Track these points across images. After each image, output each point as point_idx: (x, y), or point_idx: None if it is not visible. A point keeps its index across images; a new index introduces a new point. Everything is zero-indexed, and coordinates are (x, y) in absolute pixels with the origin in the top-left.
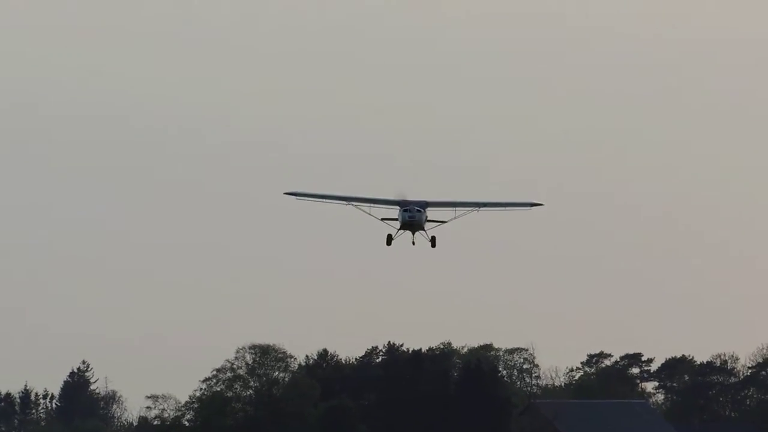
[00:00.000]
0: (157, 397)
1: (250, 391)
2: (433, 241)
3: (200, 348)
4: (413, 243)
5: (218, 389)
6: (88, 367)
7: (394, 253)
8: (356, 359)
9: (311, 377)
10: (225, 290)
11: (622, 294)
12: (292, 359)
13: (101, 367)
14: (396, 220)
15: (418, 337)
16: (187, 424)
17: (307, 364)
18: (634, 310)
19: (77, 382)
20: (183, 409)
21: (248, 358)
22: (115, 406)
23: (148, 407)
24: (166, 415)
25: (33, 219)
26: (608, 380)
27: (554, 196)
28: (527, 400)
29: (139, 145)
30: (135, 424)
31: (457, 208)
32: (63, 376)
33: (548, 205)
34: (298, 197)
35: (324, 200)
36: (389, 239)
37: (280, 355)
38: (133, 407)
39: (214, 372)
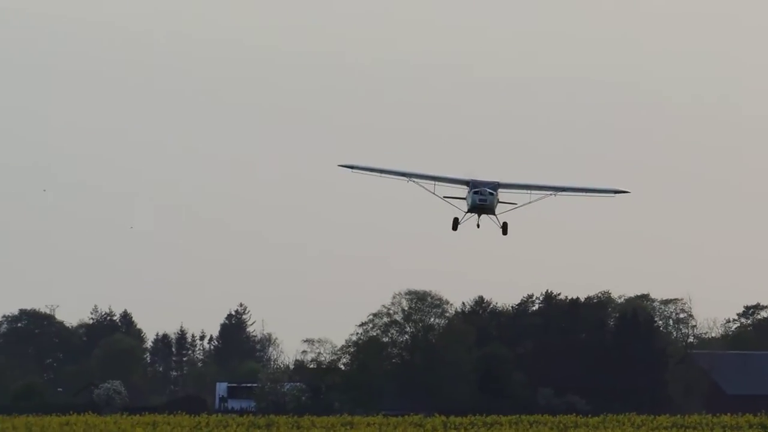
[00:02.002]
0: (314, 341)
1: (406, 336)
2: (504, 228)
3: (357, 293)
4: (478, 226)
5: (374, 334)
6: (245, 309)
7: None
8: (513, 307)
9: (467, 324)
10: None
11: None
12: (449, 305)
13: (258, 310)
14: (461, 199)
15: (576, 285)
16: (342, 368)
17: (463, 311)
18: None
19: (234, 324)
20: (339, 353)
21: (405, 303)
22: (271, 349)
23: (304, 351)
24: (322, 358)
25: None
26: (765, 332)
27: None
28: (683, 350)
29: None
30: (291, 367)
31: (532, 192)
32: (220, 318)
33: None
34: (353, 170)
35: (382, 174)
36: (455, 223)
37: (436, 301)
38: (289, 350)
39: (371, 317)
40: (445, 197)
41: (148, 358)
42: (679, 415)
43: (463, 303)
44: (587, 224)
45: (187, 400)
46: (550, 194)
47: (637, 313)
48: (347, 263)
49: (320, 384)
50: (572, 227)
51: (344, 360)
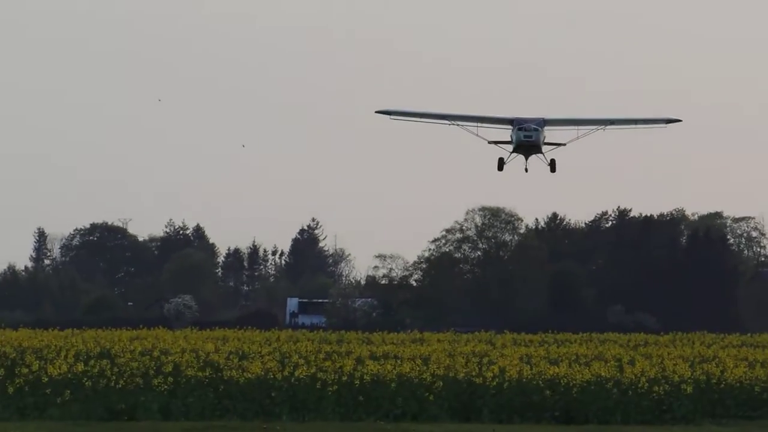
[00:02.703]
0: (386, 257)
1: (479, 252)
2: (552, 165)
3: (431, 209)
4: (526, 170)
5: (447, 250)
6: (317, 224)
7: None
8: (585, 223)
9: (540, 240)
10: (453, 153)
11: None
12: (521, 222)
13: (330, 225)
14: (508, 143)
15: (648, 202)
16: (414, 284)
17: (536, 228)
18: None
19: (306, 239)
20: (411, 269)
21: (478, 219)
22: (342, 265)
23: (375, 267)
24: (394, 274)
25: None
26: None
27: None
28: (754, 269)
29: None
30: (363, 282)
31: (579, 127)
32: (292, 233)
33: None
34: (391, 116)
35: (422, 119)
36: (501, 164)
37: (509, 218)
38: (361, 266)
39: (444, 233)
40: (490, 142)
41: (219, 273)
42: (749, 334)
43: (536, 219)
44: (657, 148)
45: (258, 315)
46: (600, 128)
47: (710, 231)
48: (419, 181)
49: (391, 300)
50: (642, 150)
51: (416, 276)
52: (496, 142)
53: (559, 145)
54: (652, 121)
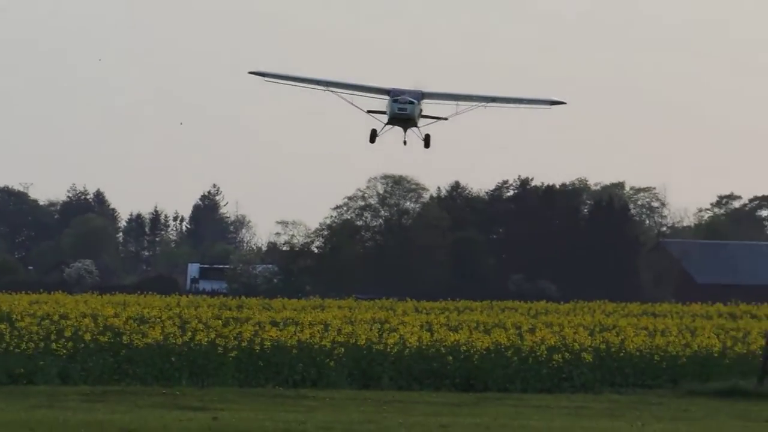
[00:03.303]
0: (287, 223)
1: (380, 220)
2: (426, 141)
3: (331, 177)
4: (405, 143)
5: (348, 217)
6: (218, 190)
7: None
8: (487, 192)
9: (442, 209)
10: (354, 124)
11: (751, 137)
12: (424, 190)
13: (231, 192)
14: (384, 113)
15: (550, 172)
16: (316, 250)
17: (438, 196)
18: (764, 152)
19: (207, 206)
20: (312, 236)
21: (380, 187)
22: (244, 231)
23: (277, 233)
24: (296, 241)
25: None
26: (737, 221)
27: None
28: (655, 239)
29: None
30: (264, 249)
31: (459, 102)
32: (193, 199)
33: None
34: (265, 78)
35: (296, 83)
36: (373, 135)
37: (412, 186)
38: (262, 233)
39: (345, 200)
40: (369, 111)
41: (120, 238)
42: (649, 303)
43: (438, 188)
44: (558, 117)
45: (159, 281)
46: (481, 105)
47: (613, 201)
48: (319, 152)
49: (292, 267)
50: (546, 119)
51: (317, 243)
52: (373, 112)
53: (439, 119)
54: (536, 101)
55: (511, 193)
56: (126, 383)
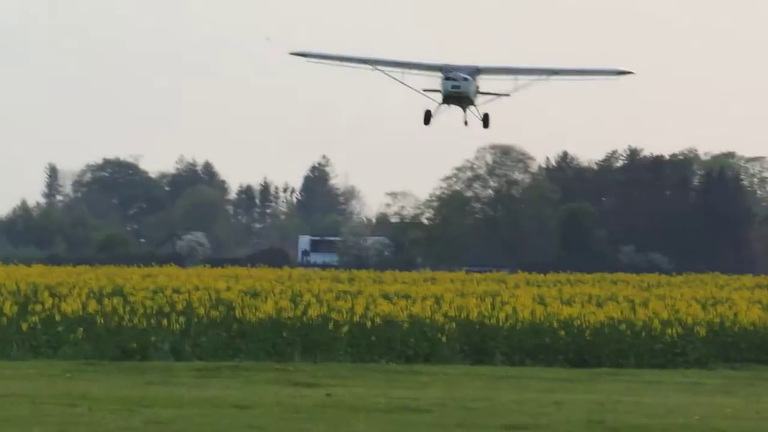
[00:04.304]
0: (397, 195)
1: (490, 190)
2: (485, 120)
3: (441, 147)
4: (465, 123)
5: (458, 188)
6: (328, 161)
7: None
8: (596, 163)
9: (551, 180)
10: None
11: None
12: (532, 161)
13: (341, 163)
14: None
15: (660, 142)
16: (425, 222)
17: (547, 167)
18: None
19: (317, 177)
20: (422, 207)
21: (488, 158)
22: (354, 202)
23: (387, 204)
24: (405, 212)
25: None
26: None
27: None
28: (767, 209)
29: None
30: (374, 220)
31: (519, 77)
32: (303, 170)
33: None
34: (308, 58)
35: (341, 63)
36: (427, 117)
37: (520, 156)
38: (372, 204)
39: (455, 171)
40: (424, 90)
41: (231, 210)
42: (762, 276)
43: (547, 158)
44: (668, 82)
45: (270, 253)
46: (542, 78)
47: (724, 171)
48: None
49: (402, 239)
50: (654, 87)
51: (427, 214)
52: (430, 91)
53: (501, 95)
54: (602, 72)
55: (620, 163)
56: (239, 359)
